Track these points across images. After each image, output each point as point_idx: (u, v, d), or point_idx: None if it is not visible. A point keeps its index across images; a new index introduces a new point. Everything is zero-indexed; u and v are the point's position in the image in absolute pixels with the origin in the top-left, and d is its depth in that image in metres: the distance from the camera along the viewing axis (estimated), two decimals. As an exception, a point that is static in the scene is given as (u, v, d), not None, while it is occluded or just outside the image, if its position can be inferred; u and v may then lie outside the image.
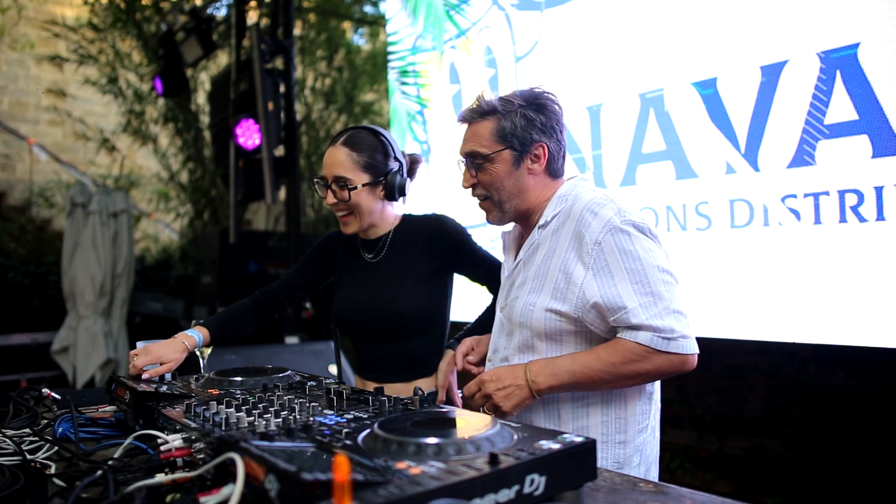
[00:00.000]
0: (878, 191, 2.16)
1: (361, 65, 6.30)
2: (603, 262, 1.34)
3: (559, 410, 1.42)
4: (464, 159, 1.54)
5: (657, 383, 1.47)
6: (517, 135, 1.45)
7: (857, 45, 2.21)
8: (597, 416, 1.40)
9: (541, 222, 1.48)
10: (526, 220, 1.55)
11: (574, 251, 1.38)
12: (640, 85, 2.86)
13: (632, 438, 1.40)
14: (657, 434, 1.50)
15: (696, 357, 1.32)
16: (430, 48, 3.92)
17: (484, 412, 1.36)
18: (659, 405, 1.50)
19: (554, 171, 1.52)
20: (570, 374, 1.33)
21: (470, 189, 1.54)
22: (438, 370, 1.77)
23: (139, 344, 1.67)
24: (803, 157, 2.35)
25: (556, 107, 1.50)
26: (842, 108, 2.24)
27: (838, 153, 2.25)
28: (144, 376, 1.54)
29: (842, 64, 2.24)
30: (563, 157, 1.53)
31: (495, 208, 1.52)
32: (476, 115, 1.51)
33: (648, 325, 1.28)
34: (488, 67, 3.66)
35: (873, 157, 2.17)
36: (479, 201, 1.55)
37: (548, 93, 1.50)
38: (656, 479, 1.48)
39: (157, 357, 1.60)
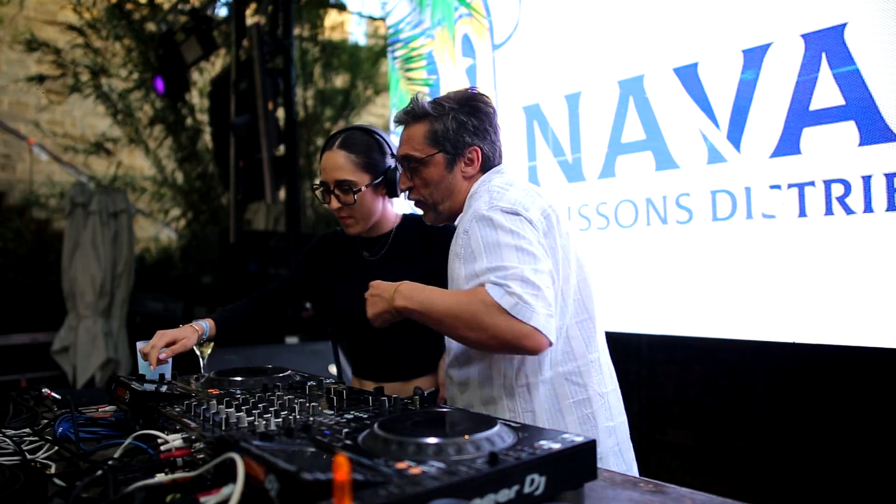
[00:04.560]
0: (866, 180, 2.08)
1: (355, 62, 6.29)
2: (468, 249, 1.35)
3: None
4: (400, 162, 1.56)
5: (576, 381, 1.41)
6: (449, 138, 1.47)
7: (843, 26, 2.13)
8: (504, 414, 1.38)
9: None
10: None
11: (455, 244, 1.41)
12: (620, 71, 2.80)
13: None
14: (606, 423, 1.43)
15: (545, 340, 1.23)
16: (433, 26, 3.88)
17: None
18: (596, 395, 1.43)
19: (489, 170, 1.53)
20: (425, 302, 1.32)
21: (406, 191, 1.57)
22: (439, 368, 1.77)
23: (139, 344, 1.67)
24: (787, 145, 2.27)
25: (489, 108, 1.52)
26: (827, 92, 2.16)
27: (824, 141, 2.17)
28: (163, 356, 1.58)
29: (827, 46, 2.16)
30: (499, 156, 1.55)
31: (430, 210, 1.55)
32: (409, 118, 1.53)
33: (496, 282, 1.26)
34: (466, 56, 3.63)
35: (860, 144, 2.09)
36: (413, 204, 1.58)
37: (480, 94, 1.52)
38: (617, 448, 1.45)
39: (172, 337, 1.64)
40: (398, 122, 1.56)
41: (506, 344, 1.24)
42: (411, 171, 1.52)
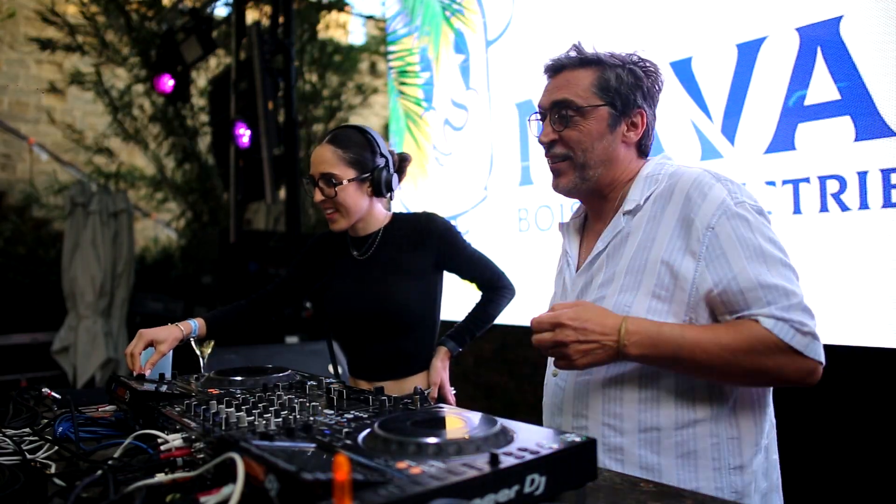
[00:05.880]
0: (862, 176, 2.05)
1: (350, 62, 6.29)
2: (718, 250, 1.12)
3: (659, 435, 1.17)
4: (541, 110, 1.32)
5: (769, 396, 1.28)
6: (621, 92, 1.25)
7: (839, 19, 2.10)
8: (706, 439, 1.17)
9: (627, 207, 1.26)
10: (600, 200, 1.33)
11: (681, 240, 1.16)
12: None
13: (748, 462, 1.20)
14: (773, 455, 1.30)
15: (822, 370, 1.11)
16: (423, 25, 3.88)
17: (548, 354, 1.15)
18: (774, 422, 1.30)
19: (644, 146, 1.32)
20: (674, 349, 1.09)
21: (546, 145, 1.30)
22: (431, 367, 1.78)
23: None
24: (782, 141, 2.25)
25: (660, 76, 1.32)
26: (823, 87, 2.14)
27: (819, 136, 2.15)
28: (146, 372, 1.56)
29: (823, 40, 2.13)
30: (653, 135, 1.35)
31: (574, 171, 1.28)
32: (575, 62, 1.29)
33: (780, 317, 1.07)
34: (459, 53, 3.62)
35: (856, 140, 2.06)
36: (551, 162, 1.31)
37: (650, 61, 1.31)
38: None
39: (150, 338, 1.63)
40: (554, 65, 1.31)
41: (785, 383, 1.13)
42: (565, 120, 1.26)
